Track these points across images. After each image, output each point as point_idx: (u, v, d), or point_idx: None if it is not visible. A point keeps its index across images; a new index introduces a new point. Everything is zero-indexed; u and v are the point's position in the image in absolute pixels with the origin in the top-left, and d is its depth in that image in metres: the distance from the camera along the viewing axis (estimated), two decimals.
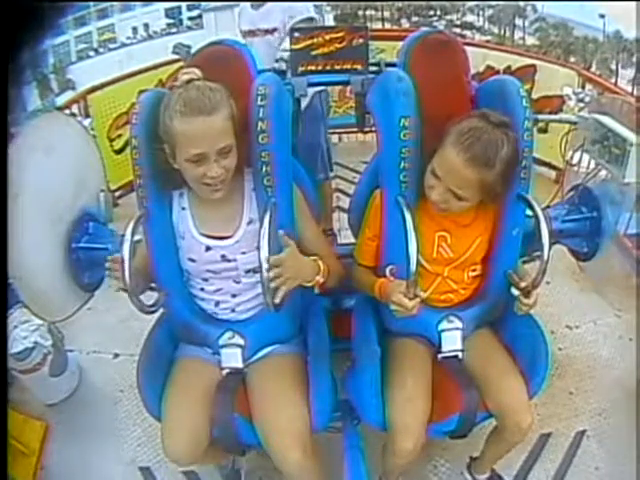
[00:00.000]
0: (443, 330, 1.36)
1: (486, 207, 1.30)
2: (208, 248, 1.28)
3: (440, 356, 1.37)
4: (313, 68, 1.58)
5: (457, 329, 1.35)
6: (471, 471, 1.65)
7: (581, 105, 3.19)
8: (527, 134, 1.24)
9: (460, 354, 1.36)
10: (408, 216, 1.14)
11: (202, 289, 1.35)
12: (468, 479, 1.66)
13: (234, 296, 1.34)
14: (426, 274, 1.33)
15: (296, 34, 1.55)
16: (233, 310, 1.35)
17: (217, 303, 1.35)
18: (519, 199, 1.29)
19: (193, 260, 1.30)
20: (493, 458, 1.55)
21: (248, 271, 1.30)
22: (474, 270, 1.38)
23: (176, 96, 1.15)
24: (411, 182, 1.27)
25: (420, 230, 1.15)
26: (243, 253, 1.29)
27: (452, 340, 1.36)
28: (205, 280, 1.33)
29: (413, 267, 1.09)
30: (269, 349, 1.39)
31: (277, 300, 1.11)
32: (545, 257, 1.20)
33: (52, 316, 1.53)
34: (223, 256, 1.29)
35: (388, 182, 1.29)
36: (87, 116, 3.30)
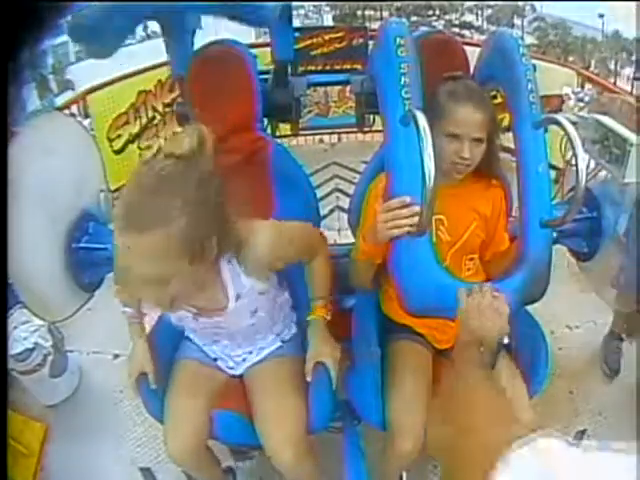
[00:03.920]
0: None
1: (477, 190, 1.33)
2: (197, 317, 1.21)
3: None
4: (313, 68, 1.57)
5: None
6: None
7: (580, 104, 3.19)
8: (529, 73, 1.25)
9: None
10: (420, 115, 1.04)
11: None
12: None
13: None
14: None
15: (296, 34, 1.55)
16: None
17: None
18: (538, 127, 1.25)
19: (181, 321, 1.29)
20: None
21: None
22: (471, 259, 1.37)
23: (124, 194, 0.92)
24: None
25: None
26: (235, 323, 1.25)
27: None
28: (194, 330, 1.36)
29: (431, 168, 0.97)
30: (269, 350, 1.39)
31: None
32: (581, 176, 1.12)
33: (52, 316, 1.53)
34: (215, 323, 1.24)
35: (390, 104, 1.19)
36: (86, 116, 3.30)
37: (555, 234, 1.51)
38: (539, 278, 1.22)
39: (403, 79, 1.15)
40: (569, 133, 1.14)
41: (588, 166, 1.82)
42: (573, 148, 1.14)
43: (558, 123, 1.19)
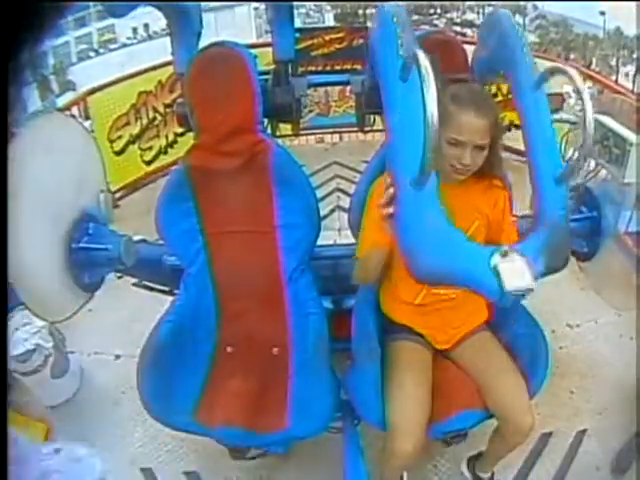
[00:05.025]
0: (498, 265, 0.95)
1: (479, 190, 1.33)
2: None
3: (507, 289, 0.92)
4: (313, 68, 1.57)
5: (519, 260, 0.96)
6: (470, 468, 1.65)
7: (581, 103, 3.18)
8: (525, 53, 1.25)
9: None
10: (421, 54, 1.01)
11: None
12: (467, 477, 1.66)
13: None
14: None
15: (297, 34, 1.55)
16: None
17: None
18: (540, 84, 1.23)
19: None
20: (495, 457, 1.55)
21: None
22: None
23: None
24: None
25: None
26: None
27: (517, 273, 0.94)
28: None
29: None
30: None
31: None
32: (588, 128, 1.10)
33: (52, 316, 1.53)
34: None
35: (387, 62, 1.13)
36: (87, 118, 3.30)
37: None
38: (560, 237, 1.14)
39: (399, 41, 1.09)
40: (575, 81, 1.14)
41: (588, 165, 1.82)
42: (579, 93, 1.13)
43: (562, 72, 1.18)
